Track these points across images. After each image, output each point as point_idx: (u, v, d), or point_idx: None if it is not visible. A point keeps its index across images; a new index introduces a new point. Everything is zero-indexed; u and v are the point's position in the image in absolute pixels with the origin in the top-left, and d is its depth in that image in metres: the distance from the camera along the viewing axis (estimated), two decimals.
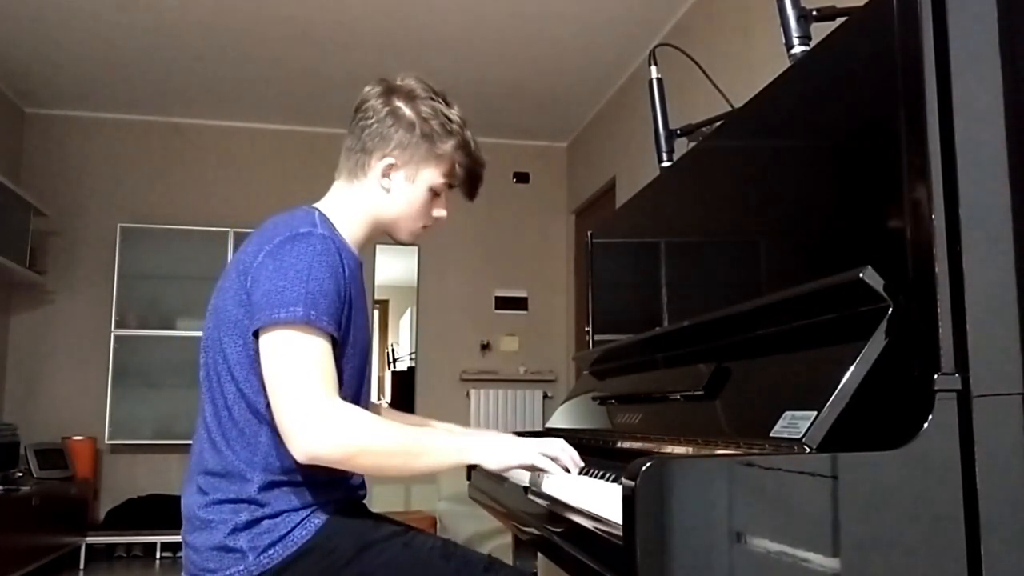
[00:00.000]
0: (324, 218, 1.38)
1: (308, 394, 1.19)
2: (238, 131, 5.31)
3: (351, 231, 1.43)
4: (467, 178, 1.47)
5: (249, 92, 4.83)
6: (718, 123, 1.79)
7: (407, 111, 1.40)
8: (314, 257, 1.26)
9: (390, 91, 1.42)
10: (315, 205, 1.43)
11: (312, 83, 4.67)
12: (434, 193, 1.45)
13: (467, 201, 1.53)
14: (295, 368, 1.21)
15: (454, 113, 1.44)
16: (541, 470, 1.32)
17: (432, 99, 1.42)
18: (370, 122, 1.41)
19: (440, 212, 1.49)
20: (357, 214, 1.44)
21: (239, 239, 4.94)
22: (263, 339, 1.24)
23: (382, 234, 1.49)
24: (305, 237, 1.29)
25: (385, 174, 1.41)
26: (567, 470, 1.31)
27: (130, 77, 4.62)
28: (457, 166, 1.44)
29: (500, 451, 1.31)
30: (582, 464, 1.34)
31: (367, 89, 1.44)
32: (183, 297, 4.99)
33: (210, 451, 1.31)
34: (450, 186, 1.46)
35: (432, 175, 1.43)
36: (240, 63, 4.42)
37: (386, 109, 1.40)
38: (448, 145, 1.42)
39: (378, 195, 1.43)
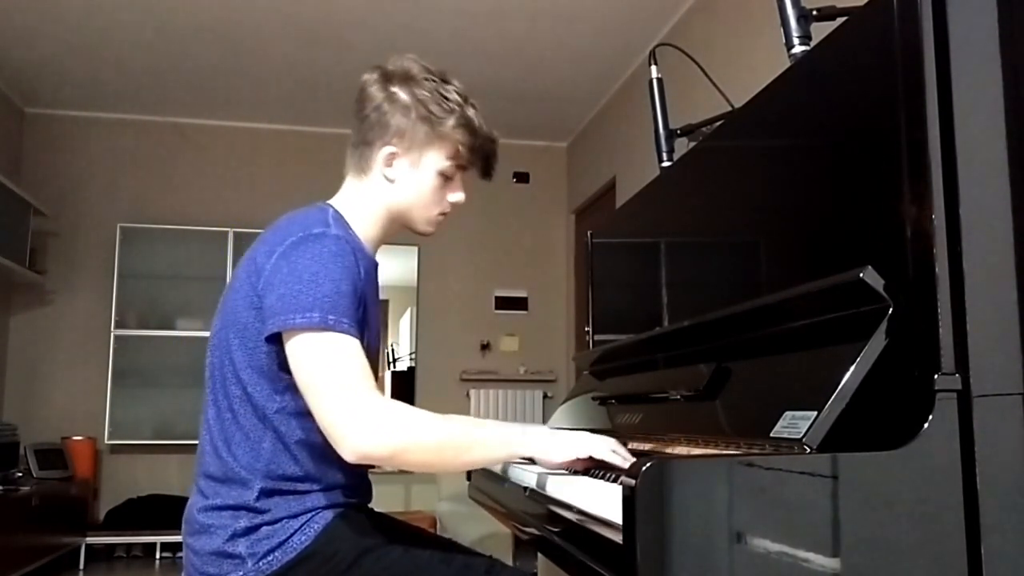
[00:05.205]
0: (338, 216, 1.34)
1: (348, 393, 1.15)
2: (238, 131, 5.31)
3: (365, 229, 1.38)
4: (475, 157, 1.39)
5: (249, 92, 4.83)
6: (718, 123, 1.79)
7: (403, 95, 1.34)
8: (329, 259, 1.22)
9: (386, 77, 1.36)
10: (329, 202, 1.39)
11: (312, 83, 4.66)
12: (445, 177, 1.38)
13: (484, 180, 1.45)
14: (328, 370, 1.16)
15: (452, 90, 1.36)
16: (610, 465, 1.21)
17: (429, 78, 1.35)
18: (368, 112, 1.36)
19: (456, 196, 1.42)
20: (369, 211, 1.39)
21: (239, 239, 4.95)
22: (287, 346, 1.20)
23: (400, 229, 1.43)
24: (319, 238, 1.24)
25: (388, 163, 1.36)
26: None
27: (130, 77, 4.62)
28: (460, 146, 1.37)
29: (561, 445, 1.25)
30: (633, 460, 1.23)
31: (364, 77, 1.38)
32: (183, 297, 4.99)
33: (211, 455, 1.28)
34: (461, 168, 1.40)
35: (437, 158, 1.36)
36: (240, 63, 4.42)
37: (382, 95, 1.35)
38: (448, 125, 1.34)
39: (385, 187, 1.37)
